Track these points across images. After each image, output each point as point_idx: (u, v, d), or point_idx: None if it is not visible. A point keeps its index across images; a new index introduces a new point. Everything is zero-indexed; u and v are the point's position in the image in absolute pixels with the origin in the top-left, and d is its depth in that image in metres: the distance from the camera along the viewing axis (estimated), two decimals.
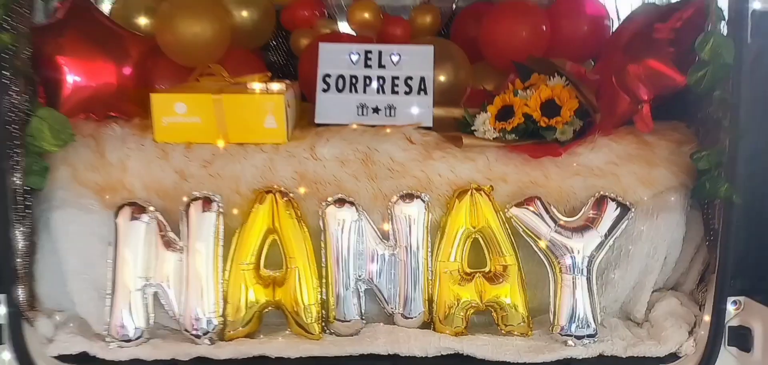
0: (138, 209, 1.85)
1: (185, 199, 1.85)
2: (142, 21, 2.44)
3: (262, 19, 2.51)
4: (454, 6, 2.76)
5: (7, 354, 1.74)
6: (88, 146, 1.92)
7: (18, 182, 1.73)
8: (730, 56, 1.68)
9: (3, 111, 1.65)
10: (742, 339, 1.76)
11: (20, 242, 1.77)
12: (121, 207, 1.84)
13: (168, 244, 1.85)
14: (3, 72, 1.63)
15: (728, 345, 1.79)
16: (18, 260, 1.76)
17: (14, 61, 1.67)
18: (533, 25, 2.34)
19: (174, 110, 1.90)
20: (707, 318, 1.78)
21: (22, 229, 1.78)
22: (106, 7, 2.60)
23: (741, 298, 1.78)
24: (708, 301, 1.80)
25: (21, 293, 1.77)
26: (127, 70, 2.18)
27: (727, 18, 1.72)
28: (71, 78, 2.01)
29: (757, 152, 1.70)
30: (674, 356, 1.82)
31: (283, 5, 2.60)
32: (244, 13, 2.46)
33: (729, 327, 1.78)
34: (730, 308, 1.77)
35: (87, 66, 2.06)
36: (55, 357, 1.78)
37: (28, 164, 1.77)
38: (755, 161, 1.70)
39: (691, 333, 1.84)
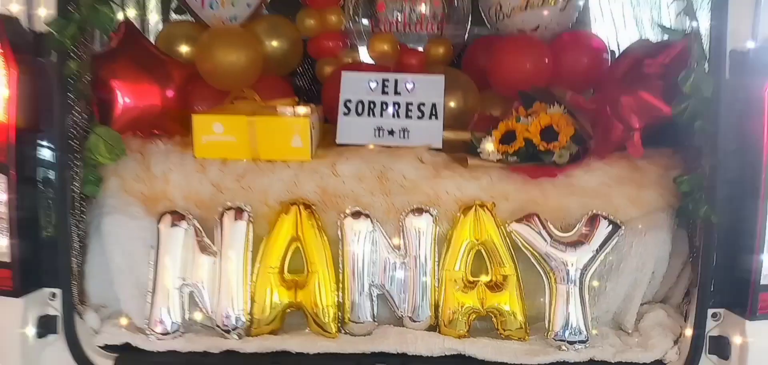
0: (178, 217, 2.03)
1: (220, 209, 2.03)
2: (184, 49, 2.64)
3: (290, 49, 2.71)
4: (465, 38, 2.92)
5: (61, 343, 1.93)
6: (136, 160, 2.12)
7: (76, 190, 1.94)
8: (709, 91, 1.83)
9: (66, 128, 1.86)
10: (721, 348, 1.89)
11: (75, 243, 1.97)
12: (163, 215, 2.03)
13: (203, 249, 2.03)
14: (68, 94, 1.85)
15: (709, 353, 1.91)
16: (73, 259, 1.96)
17: (77, 85, 1.88)
18: (536, 58, 2.50)
19: (212, 129, 2.10)
20: (689, 328, 1.92)
21: (77, 232, 1.98)
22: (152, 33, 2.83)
23: (721, 310, 1.91)
24: (691, 313, 1.94)
25: (74, 289, 1.97)
26: (170, 93, 2.39)
27: (707, 57, 1.87)
28: (122, 99, 2.22)
29: (735, 177, 1.83)
30: (660, 363, 1.94)
31: (310, 36, 2.80)
32: (275, 43, 2.65)
33: (709, 336, 1.91)
34: (711, 319, 1.90)
35: (135, 89, 2.27)
36: (102, 347, 1.96)
37: (85, 174, 1.97)
38: (733, 185, 1.84)
39: (676, 342, 1.97)
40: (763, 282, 1.82)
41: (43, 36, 1.83)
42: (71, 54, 1.84)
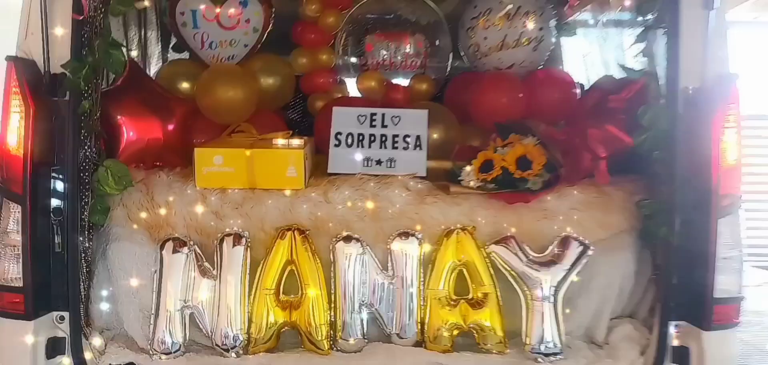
0: (179, 243, 2.15)
1: (219, 235, 2.16)
2: (184, 85, 2.79)
3: (284, 85, 2.88)
4: (446, 75, 3.11)
5: (68, 363, 2.03)
6: (140, 190, 2.24)
7: (85, 219, 2.06)
8: (666, 124, 2.01)
9: (79, 162, 1.98)
10: (682, 356, 2.04)
11: (83, 269, 2.08)
12: (165, 241, 2.15)
13: (203, 273, 2.15)
14: (81, 131, 1.98)
15: (672, 362, 2.06)
16: (81, 284, 2.07)
17: (88, 122, 2.01)
18: (511, 93, 2.68)
19: (213, 161, 2.23)
20: (654, 340, 2.07)
21: (84, 259, 2.09)
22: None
23: (681, 322, 2.06)
24: (655, 326, 2.10)
25: (81, 312, 2.07)
26: (171, 127, 2.52)
27: (664, 93, 2.06)
28: (127, 133, 2.35)
29: (690, 201, 2.00)
30: None
31: (303, 73, 2.96)
32: (270, 80, 2.82)
33: (672, 347, 2.06)
34: (672, 331, 2.05)
35: (139, 124, 2.41)
36: None
37: (93, 204, 2.09)
38: (689, 209, 2.01)
39: (642, 353, 2.12)
40: (716, 295, 1.99)
41: (58, 77, 1.96)
42: (84, 93, 1.97)
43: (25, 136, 1.91)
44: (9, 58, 1.94)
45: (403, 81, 3.02)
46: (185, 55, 2.99)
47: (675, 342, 2.06)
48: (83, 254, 2.07)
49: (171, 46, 3.20)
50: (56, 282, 2.01)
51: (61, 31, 1.96)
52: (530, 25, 2.66)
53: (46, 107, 1.95)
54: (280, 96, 2.91)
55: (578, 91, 2.81)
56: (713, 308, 1.99)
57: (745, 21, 7.13)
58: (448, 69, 3.11)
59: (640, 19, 2.19)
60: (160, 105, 2.54)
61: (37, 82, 1.95)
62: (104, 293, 2.16)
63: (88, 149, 2.03)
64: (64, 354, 2.03)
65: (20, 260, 1.93)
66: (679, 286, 2.03)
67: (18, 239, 1.93)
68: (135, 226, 2.20)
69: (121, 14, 2.40)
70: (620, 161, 2.30)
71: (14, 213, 1.93)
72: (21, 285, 1.94)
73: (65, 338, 2.03)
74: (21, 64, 1.94)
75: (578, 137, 2.33)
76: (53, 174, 1.97)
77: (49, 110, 1.96)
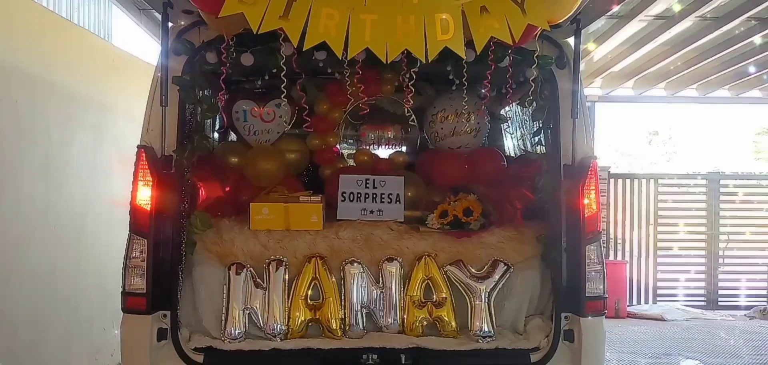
0: (240, 266, 2.92)
1: (266, 260, 2.95)
2: (234, 160, 3.57)
3: (302, 158, 3.72)
4: (416, 151, 3.99)
5: (169, 346, 2.76)
6: (213, 231, 3.03)
7: (182, 250, 2.84)
8: (553, 188, 2.92)
9: (181, 211, 2.79)
10: (569, 336, 2.87)
11: (179, 283, 2.86)
12: (230, 265, 2.91)
13: (257, 286, 2.91)
14: (182, 191, 2.79)
15: (564, 340, 2.90)
16: (178, 293, 2.83)
17: (186, 186, 2.83)
18: (460, 165, 3.57)
19: (262, 211, 3.05)
20: (552, 327, 2.92)
21: (180, 276, 2.86)
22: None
23: (568, 314, 2.90)
24: (553, 317, 2.94)
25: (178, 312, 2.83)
26: (228, 189, 3.34)
27: (551, 168, 2.98)
28: (202, 192, 3.16)
29: (571, 236, 2.88)
30: (537, 348, 2.92)
31: (315, 150, 3.81)
32: (293, 156, 3.65)
33: (563, 330, 2.90)
34: (563, 320, 2.90)
35: (208, 186, 3.23)
36: (193, 349, 2.81)
37: (187, 240, 2.88)
38: (570, 241, 2.88)
39: (547, 336, 2.95)
40: (587, 295, 2.84)
41: (169, 157, 2.78)
42: (186, 168, 2.79)
43: (149, 196, 2.70)
44: (139, 146, 2.76)
45: (386, 156, 3.88)
46: (233, 137, 3.83)
47: (565, 327, 2.90)
48: (179, 273, 2.85)
49: (216, 129, 4.02)
50: (163, 291, 2.76)
51: (171, 127, 2.78)
52: (472, 119, 3.54)
53: (161, 177, 2.76)
54: (300, 166, 3.74)
55: (505, 163, 3.73)
56: (586, 303, 2.84)
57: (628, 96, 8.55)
58: (417, 148, 3.98)
59: (536, 123, 3.13)
60: (220, 173, 3.36)
61: (155, 161, 2.75)
62: (191, 299, 2.91)
63: (185, 203, 2.84)
64: (166, 339, 2.77)
65: (143, 275, 2.69)
66: (566, 290, 2.87)
67: (142, 262, 2.70)
68: (210, 255, 2.97)
69: (209, 119, 3.25)
70: (529, 210, 3.20)
71: (140, 246, 2.70)
72: (143, 291, 2.69)
73: (167, 329, 2.77)
74: (146, 150, 2.75)
75: (503, 195, 3.24)
76: (165, 219, 2.76)
77: (163, 178, 2.76)
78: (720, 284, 8.45)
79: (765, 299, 8.31)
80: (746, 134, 16.38)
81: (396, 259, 2.97)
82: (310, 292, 2.92)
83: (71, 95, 4.53)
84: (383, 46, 2.18)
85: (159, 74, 2.73)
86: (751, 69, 7.29)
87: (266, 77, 3.22)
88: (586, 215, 2.83)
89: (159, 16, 2.73)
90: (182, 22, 2.78)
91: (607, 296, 2.92)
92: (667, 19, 5.82)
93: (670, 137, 17.75)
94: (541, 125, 3.11)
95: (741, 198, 8.67)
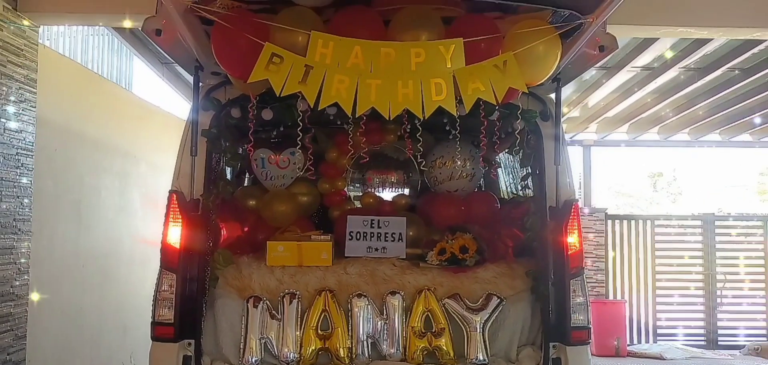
0: (257, 299, 3.22)
1: (281, 294, 3.25)
2: (252, 203, 3.93)
3: (314, 200, 4.06)
4: (417, 194, 4.34)
5: None
6: (233, 267, 3.36)
7: (206, 284, 3.17)
8: (539, 227, 3.25)
9: (206, 249, 3.13)
10: (557, 364, 3.14)
11: (202, 315, 3.18)
12: (249, 298, 3.21)
13: (272, 317, 3.21)
14: (208, 231, 3.14)
15: None
16: (202, 323, 3.14)
17: (211, 226, 3.18)
18: (457, 207, 3.90)
19: (278, 249, 3.37)
20: (542, 356, 3.19)
21: (203, 308, 3.18)
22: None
23: (556, 343, 3.18)
24: (542, 346, 3.22)
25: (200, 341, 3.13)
26: (246, 229, 3.69)
27: (538, 209, 3.31)
28: (223, 233, 3.51)
29: (558, 271, 3.18)
30: None
31: (325, 193, 4.16)
32: (305, 199, 4.00)
33: (551, 358, 3.17)
34: (551, 349, 3.18)
35: (229, 226, 3.57)
36: None
37: (210, 275, 3.21)
38: (557, 275, 3.18)
39: (537, 364, 3.22)
40: (573, 325, 3.12)
41: (196, 201, 3.14)
42: (211, 211, 3.15)
43: (179, 235, 3.05)
44: (171, 190, 3.12)
45: (389, 199, 4.22)
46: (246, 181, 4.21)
47: (553, 355, 3.16)
48: (203, 305, 3.17)
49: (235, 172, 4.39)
50: (188, 321, 3.07)
51: (198, 174, 3.15)
52: (467, 165, 3.88)
53: (190, 218, 3.10)
54: (311, 207, 4.09)
55: (498, 205, 4.07)
56: (572, 333, 3.13)
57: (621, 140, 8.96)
58: (418, 191, 4.32)
59: (525, 169, 3.48)
60: (239, 215, 3.71)
61: (185, 204, 3.11)
62: (213, 329, 3.22)
63: (210, 242, 3.18)
64: None
65: (172, 307, 3.01)
66: (554, 321, 3.16)
67: (171, 295, 3.02)
68: (230, 289, 3.29)
69: (232, 167, 3.63)
70: (519, 248, 3.51)
71: (170, 280, 3.03)
72: (171, 321, 3.00)
73: (191, 356, 3.07)
74: (177, 194, 3.11)
75: (496, 234, 3.57)
76: (192, 257, 3.10)
77: (191, 219, 3.11)
78: (719, 323, 8.62)
79: (764, 337, 8.46)
80: (750, 174, 16.64)
81: (398, 293, 3.25)
82: (320, 323, 3.19)
83: (99, 143, 4.95)
84: (386, 105, 2.55)
85: (189, 127, 3.11)
86: (739, 115, 7.66)
87: (282, 128, 3.60)
88: (569, 253, 3.13)
89: (180, 70, 3.13)
90: (211, 83, 3.18)
91: (591, 326, 3.20)
92: (653, 70, 6.24)
93: (675, 178, 18.04)
94: (528, 171, 3.45)
95: (736, 239, 8.92)
